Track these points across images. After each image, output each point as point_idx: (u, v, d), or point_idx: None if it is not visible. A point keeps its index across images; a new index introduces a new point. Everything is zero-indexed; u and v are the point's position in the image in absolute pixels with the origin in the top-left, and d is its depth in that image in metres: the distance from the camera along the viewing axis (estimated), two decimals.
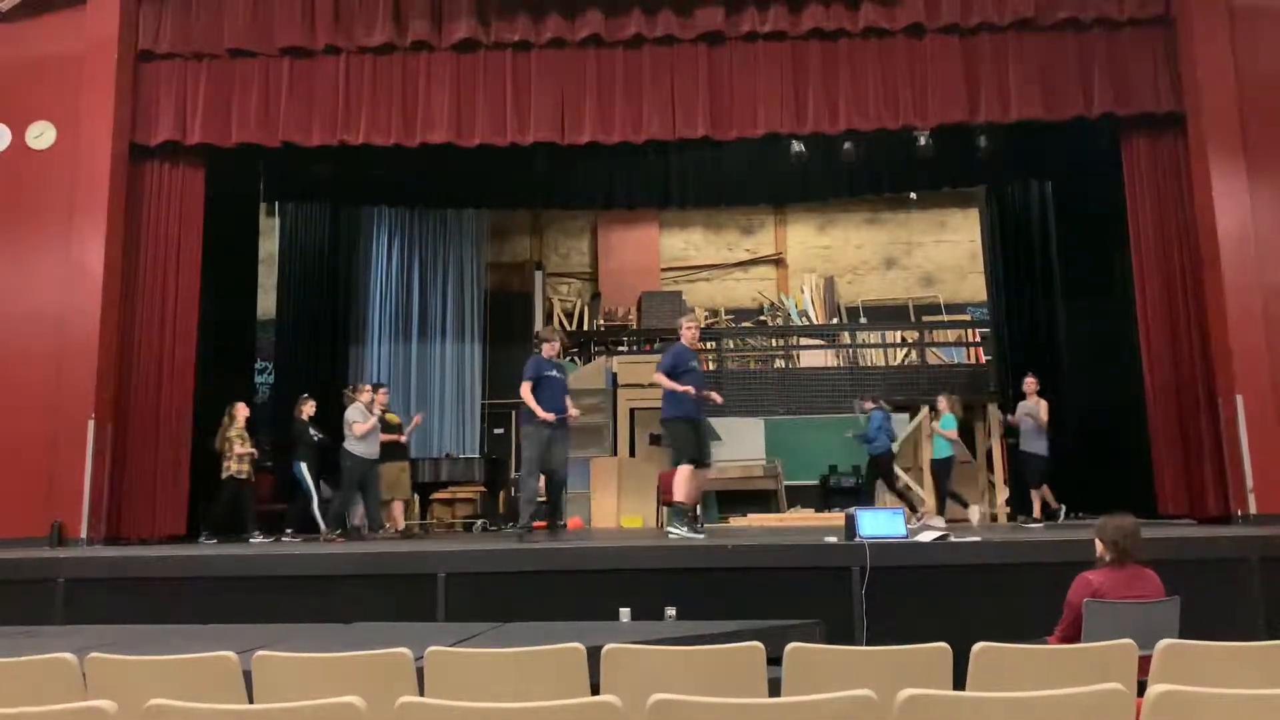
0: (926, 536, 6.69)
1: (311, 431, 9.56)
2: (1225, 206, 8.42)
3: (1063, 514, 9.51)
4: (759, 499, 12.92)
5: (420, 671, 3.29)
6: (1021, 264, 12.74)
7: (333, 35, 9.08)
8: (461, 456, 12.54)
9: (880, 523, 6.60)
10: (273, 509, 10.22)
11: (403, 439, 10.41)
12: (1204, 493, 8.40)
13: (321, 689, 2.70)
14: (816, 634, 5.26)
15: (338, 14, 9.12)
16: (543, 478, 8.12)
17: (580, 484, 11.88)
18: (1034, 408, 9.55)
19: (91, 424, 8.32)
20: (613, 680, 3.21)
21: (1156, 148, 8.99)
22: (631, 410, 13.04)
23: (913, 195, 15.47)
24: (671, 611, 6.00)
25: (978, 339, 15.29)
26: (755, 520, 11.53)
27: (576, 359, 15.12)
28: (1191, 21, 8.68)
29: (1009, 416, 10.29)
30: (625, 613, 5.99)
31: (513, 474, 13.18)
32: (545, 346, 8.13)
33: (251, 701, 3.16)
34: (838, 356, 15.40)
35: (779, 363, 15.64)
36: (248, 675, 3.26)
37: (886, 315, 16.21)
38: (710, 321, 16.26)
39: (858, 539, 6.40)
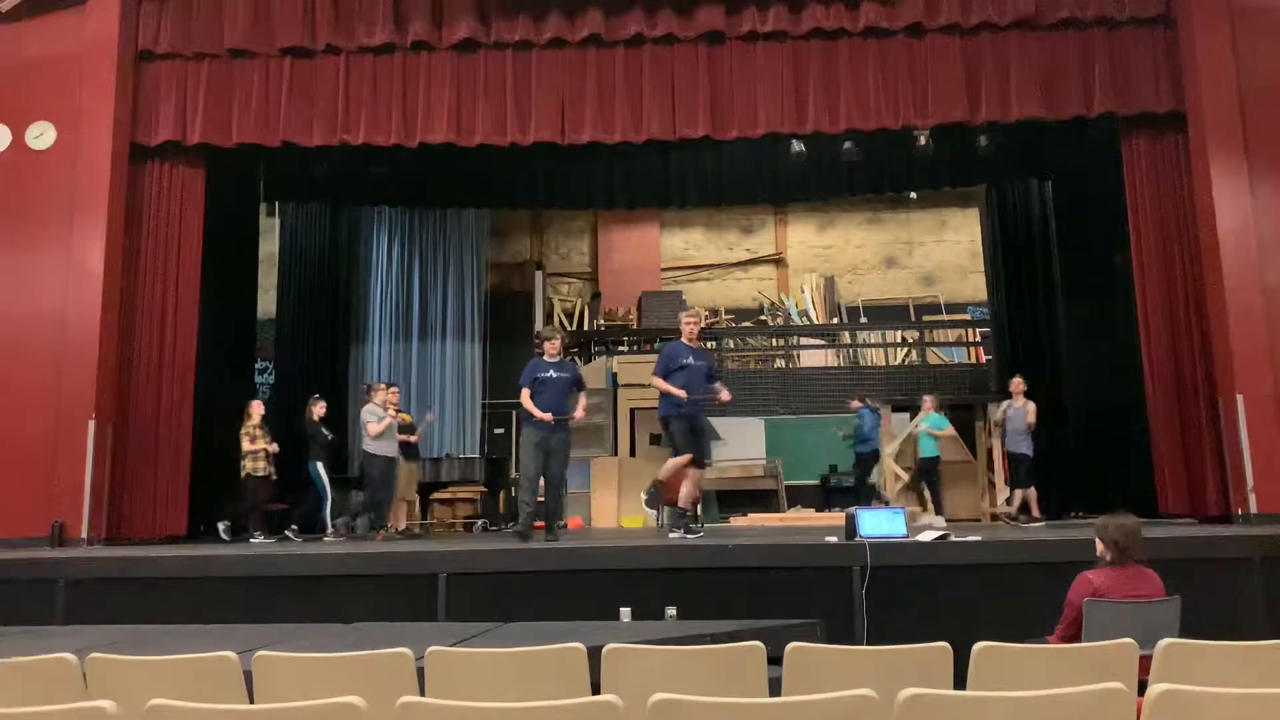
0: (927, 536, 6.70)
1: (325, 431, 9.60)
2: (1226, 205, 8.42)
3: (1041, 524, 9.41)
4: (759, 499, 12.93)
5: (421, 671, 3.29)
6: (1022, 264, 12.74)
7: (333, 35, 9.07)
8: (462, 456, 12.54)
9: (881, 522, 6.61)
10: (272, 509, 10.22)
11: (415, 439, 10.44)
12: (1205, 492, 8.40)
13: (322, 689, 2.70)
14: (817, 633, 5.26)
15: (338, 14, 9.11)
16: (542, 479, 8.10)
17: (580, 484, 11.88)
18: (1020, 408, 9.54)
19: (92, 424, 8.32)
20: (613, 680, 3.21)
21: (1157, 147, 8.99)
22: (632, 410, 13.05)
23: (913, 195, 15.47)
24: (672, 611, 6.00)
25: (978, 339, 15.29)
26: (756, 520, 11.53)
27: (577, 359, 15.12)
28: (1192, 21, 8.68)
29: (994, 417, 10.28)
30: (626, 612, 5.99)
31: (513, 474, 13.20)
32: (546, 345, 8.12)
33: (252, 702, 3.16)
34: (838, 356, 15.41)
35: (779, 362, 15.65)
36: (248, 675, 3.26)
37: (887, 315, 16.21)
38: (711, 321, 16.25)
39: (858, 538, 6.40)
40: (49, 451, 8.28)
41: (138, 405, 8.77)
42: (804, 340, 15.82)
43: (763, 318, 16.62)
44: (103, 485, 8.36)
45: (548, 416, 7.66)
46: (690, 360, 7.62)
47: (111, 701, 2.31)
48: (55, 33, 8.97)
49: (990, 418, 11.92)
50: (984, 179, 12.88)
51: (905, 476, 11.27)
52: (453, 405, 14.38)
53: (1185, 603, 4.23)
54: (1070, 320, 11.70)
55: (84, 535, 8.13)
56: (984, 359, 14.72)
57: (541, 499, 8.27)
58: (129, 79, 9.02)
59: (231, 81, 9.14)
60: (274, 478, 9.33)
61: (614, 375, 13.96)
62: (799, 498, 12.91)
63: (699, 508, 9.34)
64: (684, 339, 7.82)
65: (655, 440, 11.86)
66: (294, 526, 9.67)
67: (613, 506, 11.69)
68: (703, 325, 8.58)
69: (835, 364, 15.15)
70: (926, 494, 10.11)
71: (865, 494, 10.91)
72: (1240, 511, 8.02)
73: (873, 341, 15.80)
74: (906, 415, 12.40)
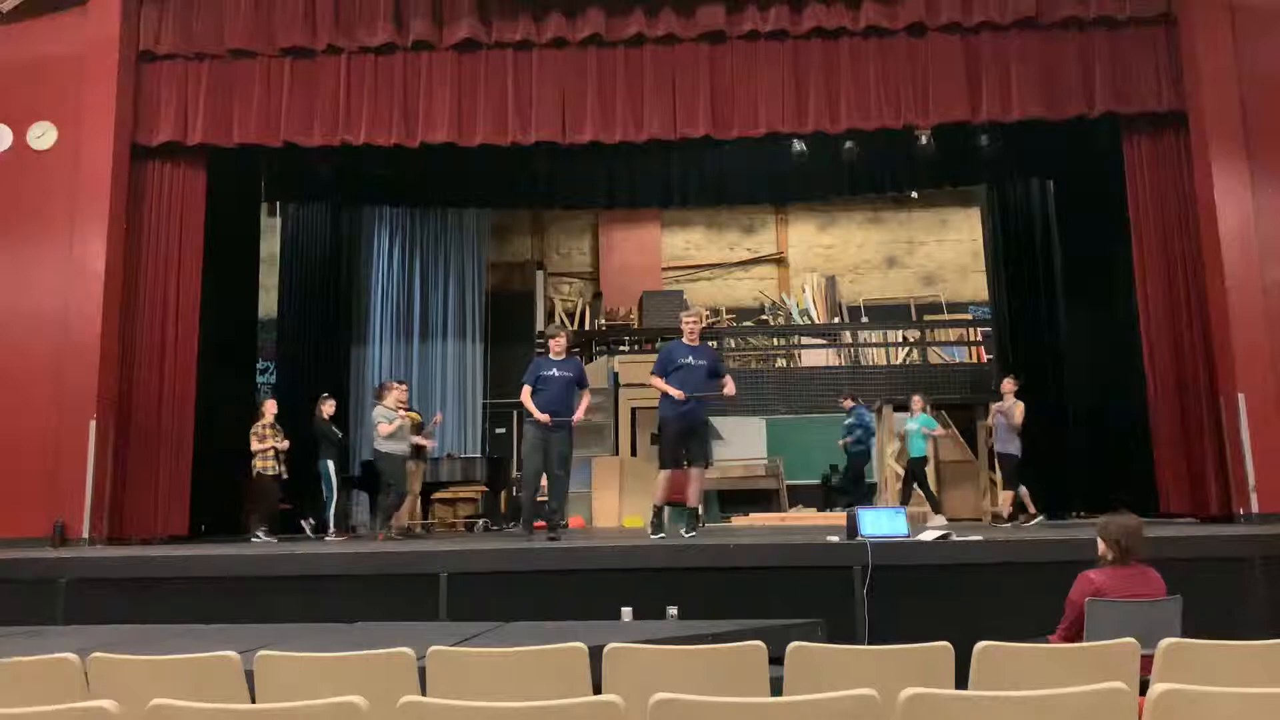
0: (928, 536, 6.69)
1: (334, 430, 9.62)
2: (1227, 205, 8.41)
3: (1039, 520, 9.38)
4: (760, 498, 12.95)
5: (422, 671, 3.29)
6: (1023, 263, 12.73)
7: (334, 35, 9.07)
8: (463, 456, 12.55)
9: (882, 522, 6.60)
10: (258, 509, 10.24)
11: (427, 444, 10.45)
12: (1206, 491, 8.39)
13: (324, 689, 2.71)
14: (818, 633, 5.26)
15: (339, 14, 9.12)
16: (544, 478, 8.10)
17: (582, 483, 11.88)
18: (1008, 408, 9.54)
19: (93, 424, 8.32)
20: (614, 680, 3.21)
21: (1158, 146, 8.98)
22: (633, 410, 13.06)
23: (914, 194, 15.48)
24: (673, 611, 6.00)
25: (979, 338, 15.30)
26: (757, 519, 11.54)
27: (575, 356, 15.13)
28: (1193, 20, 8.67)
29: (988, 419, 10.26)
30: (627, 612, 5.99)
31: (514, 473, 13.20)
32: (551, 343, 8.14)
33: (254, 701, 3.16)
34: (839, 356, 15.43)
35: (780, 362, 15.67)
36: (250, 675, 3.27)
37: (888, 314, 16.21)
38: (712, 321, 16.26)
39: (859, 538, 6.40)
40: (50, 451, 8.29)
41: (139, 405, 8.77)
42: (805, 340, 15.84)
43: (764, 317, 16.63)
44: (104, 485, 8.36)
45: (545, 418, 7.65)
46: (689, 359, 7.60)
47: (113, 701, 2.31)
48: (56, 33, 8.97)
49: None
50: (985, 178, 12.87)
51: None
52: (454, 405, 14.38)
53: (1187, 602, 4.22)
54: (1071, 319, 11.69)
55: (85, 535, 8.13)
56: (985, 358, 14.72)
57: (543, 498, 8.28)
58: (130, 79, 9.02)
59: (232, 81, 9.15)
60: (284, 476, 9.35)
61: (615, 375, 13.97)
62: (800, 497, 12.92)
63: (700, 507, 9.33)
64: (684, 338, 7.83)
65: (656, 440, 11.87)
66: (310, 520, 9.69)
67: (614, 506, 11.71)
68: (704, 325, 8.57)
69: (836, 364, 15.18)
70: (919, 493, 10.10)
71: (855, 494, 10.87)
72: (1242, 511, 8.00)
73: (874, 341, 15.81)
74: (907, 415, 12.41)
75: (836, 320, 16.23)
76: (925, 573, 6.26)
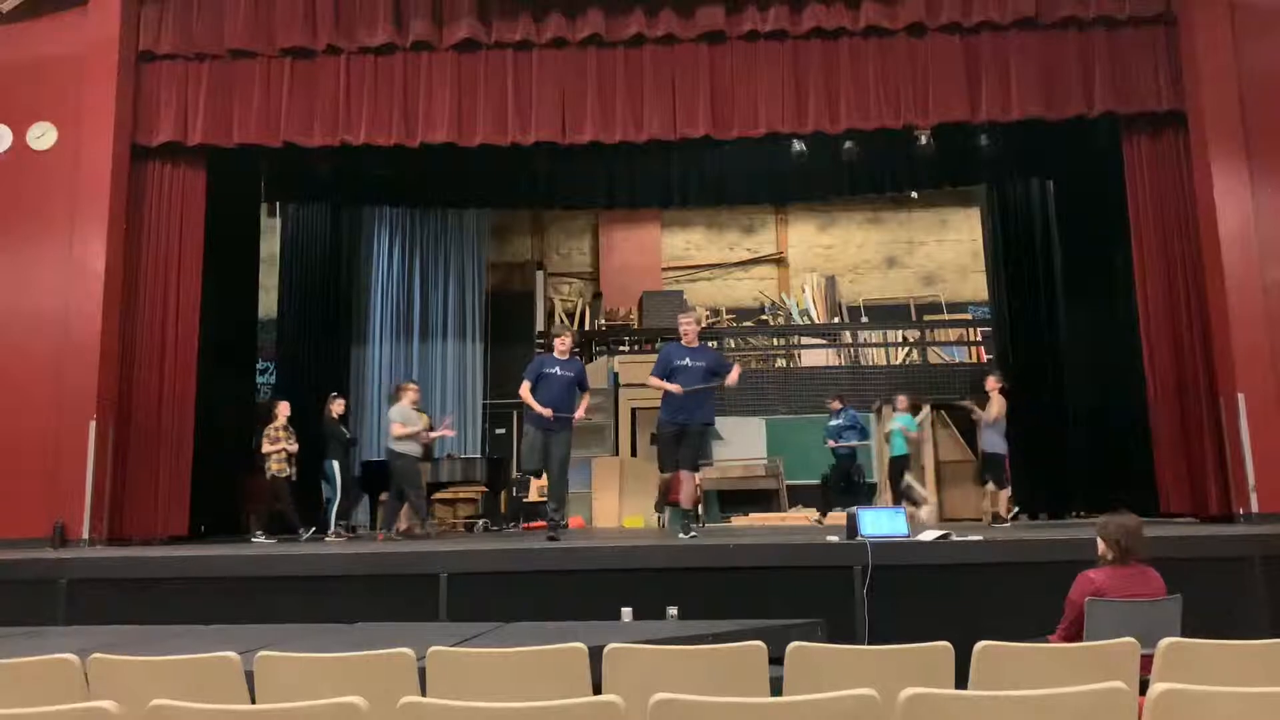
0: (928, 536, 6.70)
1: (343, 429, 9.62)
2: (1226, 204, 8.41)
3: (1007, 525, 9.34)
4: (760, 498, 12.94)
5: (422, 672, 3.29)
6: (1023, 263, 12.73)
7: (334, 35, 9.07)
8: (462, 457, 12.56)
9: (882, 522, 6.60)
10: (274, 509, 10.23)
11: (448, 434, 10.50)
12: (1206, 491, 8.39)
13: (323, 689, 2.71)
14: (818, 633, 5.26)
15: (338, 14, 9.12)
16: (544, 476, 8.12)
17: (582, 484, 11.88)
18: (989, 405, 9.54)
19: (93, 424, 8.31)
20: (614, 680, 3.21)
21: (1158, 146, 8.98)
22: (633, 410, 13.05)
23: (914, 194, 15.47)
24: (673, 611, 6.00)
25: (979, 338, 15.29)
26: (757, 519, 11.54)
27: (577, 357, 15.13)
28: (1192, 19, 8.67)
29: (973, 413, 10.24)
30: (627, 612, 5.99)
31: (514, 474, 13.20)
32: (555, 342, 8.18)
33: (254, 702, 3.16)
34: (839, 356, 15.43)
35: (780, 362, 15.67)
36: (250, 676, 3.27)
37: (888, 314, 16.21)
38: (712, 321, 16.26)
39: (859, 538, 6.40)
40: (50, 452, 8.29)
41: (139, 405, 8.77)
42: (805, 340, 15.83)
43: (764, 317, 16.63)
44: (104, 485, 8.36)
45: (547, 412, 7.66)
46: (686, 361, 7.65)
47: (113, 702, 2.31)
48: (56, 33, 8.97)
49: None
50: (985, 178, 12.88)
51: (906, 476, 11.26)
52: (454, 405, 14.38)
53: (1186, 602, 4.22)
54: (1071, 319, 11.70)
55: (85, 535, 8.13)
56: (985, 358, 14.71)
57: (543, 498, 8.29)
58: (130, 80, 9.02)
59: (232, 82, 9.15)
60: (294, 478, 9.35)
61: (615, 375, 13.97)
62: (800, 497, 12.91)
63: (699, 508, 9.35)
64: (682, 340, 7.87)
65: (655, 440, 11.88)
66: (305, 530, 9.69)
67: (614, 506, 11.71)
68: (702, 325, 8.60)
69: (836, 364, 15.17)
70: (894, 491, 10.15)
71: (851, 495, 10.85)
72: (1241, 511, 8.01)
73: (874, 341, 15.81)
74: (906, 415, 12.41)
75: (836, 320, 16.23)
76: (925, 573, 6.26)
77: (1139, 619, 3.95)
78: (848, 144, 10.76)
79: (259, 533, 9.22)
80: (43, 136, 8.85)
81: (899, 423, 10.01)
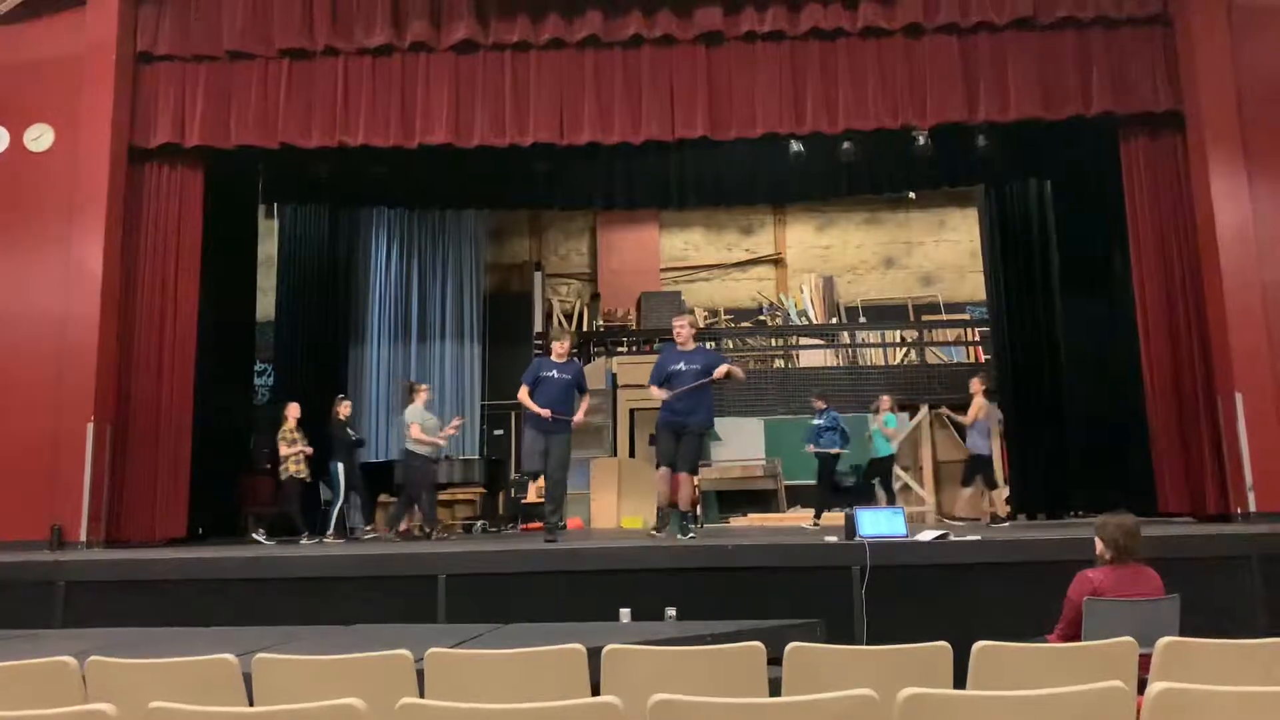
0: (926, 536, 6.70)
1: (349, 431, 9.62)
2: (1224, 204, 8.42)
3: (981, 523, 9.35)
4: (759, 499, 12.94)
5: (420, 673, 3.29)
6: (1021, 263, 12.74)
7: (331, 37, 9.07)
8: (461, 458, 12.55)
9: (881, 522, 6.61)
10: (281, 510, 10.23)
11: (455, 430, 10.50)
12: (1204, 491, 8.40)
13: (322, 691, 2.70)
14: (817, 633, 5.26)
15: (336, 15, 9.11)
16: (540, 479, 8.14)
17: (580, 485, 11.88)
18: (971, 407, 9.55)
19: (91, 426, 8.30)
20: (613, 681, 3.21)
21: (1155, 146, 8.98)
22: (631, 411, 13.05)
23: (912, 195, 15.48)
24: (672, 612, 6.00)
25: (977, 338, 15.30)
26: (755, 520, 11.54)
27: (576, 360, 15.13)
28: (1190, 20, 8.68)
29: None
30: (625, 613, 5.99)
31: (512, 475, 13.20)
32: (554, 345, 8.20)
33: (252, 704, 3.16)
34: (837, 356, 15.43)
35: (778, 362, 15.67)
36: (248, 678, 3.26)
37: (886, 315, 16.22)
38: (710, 321, 16.27)
39: (858, 538, 6.40)
40: (48, 453, 8.27)
41: (137, 407, 8.75)
42: (803, 340, 15.84)
43: (762, 318, 16.63)
44: (102, 487, 8.35)
45: (545, 412, 7.68)
46: (681, 365, 7.72)
47: (111, 705, 2.31)
48: (54, 34, 8.96)
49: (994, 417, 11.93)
50: (982, 179, 12.87)
51: (905, 476, 11.29)
52: (452, 406, 14.37)
53: (1185, 601, 4.23)
54: (1069, 319, 11.70)
55: (83, 537, 8.11)
56: (983, 358, 14.72)
57: (542, 499, 8.30)
58: (128, 81, 9.01)
59: (230, 83, 9.14)
60: (308, 480, 9.36)
61: (613, 376, 13.96)
62: (799, 498, 12.91)
63: (699, 508, 9.37)
64: (676, 343, 7.92)
65: (654, 440, 11.88)
66: (365, 523, 9.72)
67: (612, 507, 11.70)
68: (698, 327, 8.63)
69: (835, 364, 15.17)
70: (882, 493, 10.15)
71: (831, 493, 10.81)
72: (1239, 510, 8.01)
73: (872, 341, 15.81)
74: (906, 415, 12.42)
75: (834, 321, 16.24)
76: (924, 573, 6.27)
77: (1137, 618, 3.95)
78: (846, 144, 10.76)
79: (260, 531, 9.20)
80: (40, 138, 8.85)
81: (880, 424, 10.04)
